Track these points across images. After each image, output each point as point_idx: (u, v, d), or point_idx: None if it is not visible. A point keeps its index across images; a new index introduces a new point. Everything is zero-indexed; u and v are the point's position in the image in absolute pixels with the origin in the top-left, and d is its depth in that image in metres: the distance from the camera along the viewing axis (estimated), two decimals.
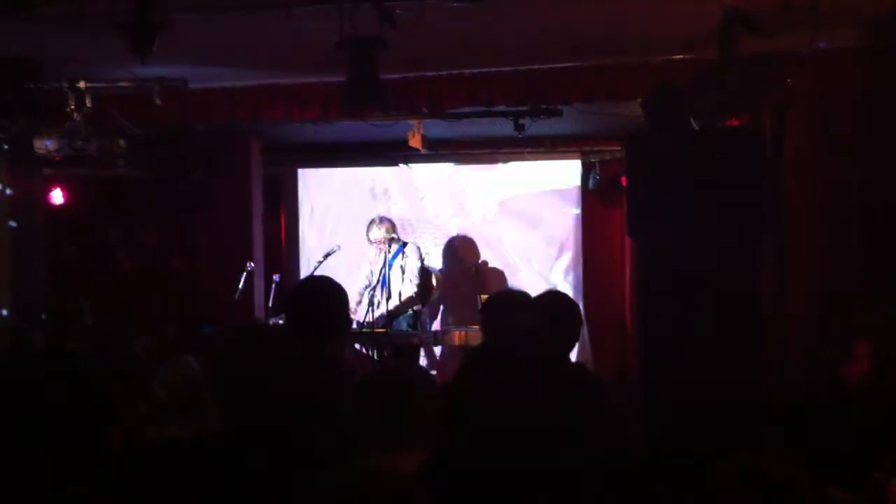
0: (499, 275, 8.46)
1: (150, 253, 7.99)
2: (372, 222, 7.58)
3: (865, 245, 5.94)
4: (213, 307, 7.56)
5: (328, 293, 3.29)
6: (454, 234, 8.78)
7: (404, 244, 7.58)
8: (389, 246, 7.39)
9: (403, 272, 7.41)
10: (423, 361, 7.91)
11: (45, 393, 2.32)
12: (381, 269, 7.31)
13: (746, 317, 5.59)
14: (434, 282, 7.64)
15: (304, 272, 8.83)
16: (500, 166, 8.94)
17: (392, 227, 7.53)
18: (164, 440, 3.26)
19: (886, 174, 5.88)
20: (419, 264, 7.49)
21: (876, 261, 5.90)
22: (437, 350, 8.29)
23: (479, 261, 8.58)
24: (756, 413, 5.24)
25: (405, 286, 7.40)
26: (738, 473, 2.07)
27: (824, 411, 3.92)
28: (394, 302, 7.28)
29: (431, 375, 2.61)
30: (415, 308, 7.35)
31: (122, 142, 6.24)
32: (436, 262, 8.50)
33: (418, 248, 7.66)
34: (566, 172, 8.85)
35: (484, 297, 7.02)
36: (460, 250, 8.53)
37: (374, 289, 7.18)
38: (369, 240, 7.51)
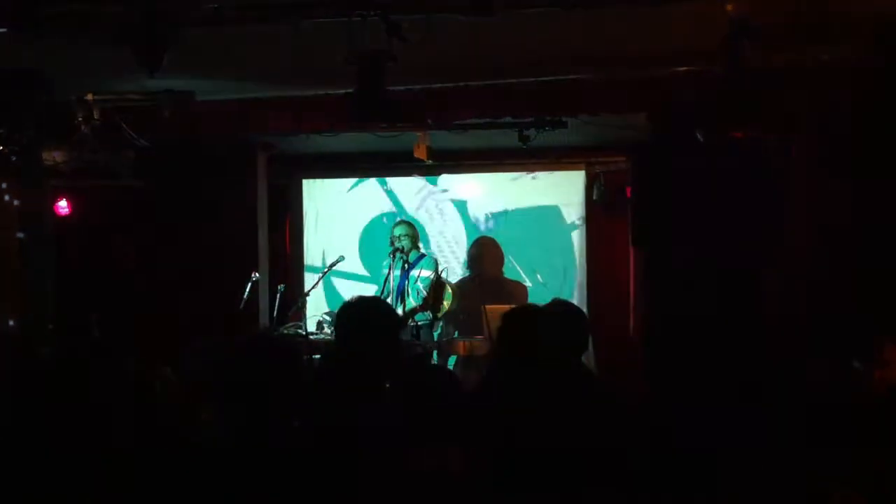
0: (508, 286, 8.45)
1: (156, 263, 8.00)
2: (397, 224, 7.63)
3: (868, 250, 5.98)
4: (218, 317, 7.57)
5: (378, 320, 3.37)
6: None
7: (422, 255, 7.57)
8: (408, 254, 7.38)
9: (416, 283, 7.38)
10: None
11: (53, 401, 2.34)
12: (388, 275, 7.29)
13: (751, 324, 5.61)
14: (447, 296, 7.49)
15: (308, 282, 8.85)
16: (505, 177, 8.96)
17: (415, 234, 7.54)
18: (173, 445, 3.28)
19: (889, 182, 5.91)
20: (432, 276, 7.41)
21: (877, 265, 5.94)
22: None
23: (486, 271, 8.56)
24: (763, 418, 5.26)
25: (416, 297, 7.36)
26: None
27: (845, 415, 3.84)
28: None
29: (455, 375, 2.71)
30: (418, 322, 7.29)
31: (129, 153, 6.27)
32: (453, 276, 8.44)
33: (436, 260, 7.60)
34: (571, 183, 8.87)
35: (488, 307, 7.04)
36: (469, 260, 8.55)
37: (386, 298, 7.14)
38: (391, 241, 7.49)
